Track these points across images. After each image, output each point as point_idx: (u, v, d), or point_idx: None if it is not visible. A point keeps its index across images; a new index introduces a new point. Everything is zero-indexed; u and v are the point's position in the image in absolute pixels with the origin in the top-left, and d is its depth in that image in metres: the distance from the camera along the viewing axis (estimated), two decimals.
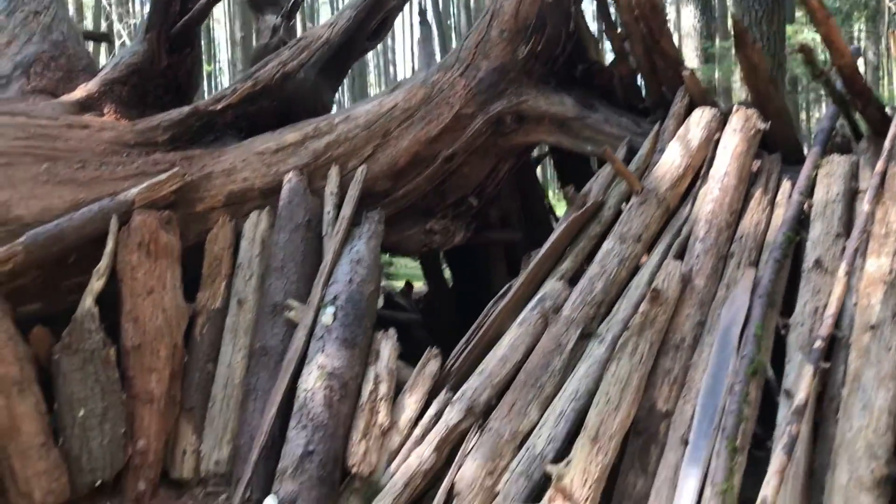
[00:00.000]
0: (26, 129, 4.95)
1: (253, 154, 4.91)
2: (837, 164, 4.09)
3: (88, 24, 21.40)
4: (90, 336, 4.00)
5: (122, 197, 4.43)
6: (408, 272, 10.39)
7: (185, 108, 5.44)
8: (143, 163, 4.90)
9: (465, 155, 4.92)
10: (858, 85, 4.12)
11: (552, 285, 4.13)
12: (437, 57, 6.81)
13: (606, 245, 4.11)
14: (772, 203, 4.15)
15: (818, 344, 3.18)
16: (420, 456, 3.70)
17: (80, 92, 5.84)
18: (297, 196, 4.66)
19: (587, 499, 3.13)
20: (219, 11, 25.42)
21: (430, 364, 4.16)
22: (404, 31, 35.09)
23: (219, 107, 5.46)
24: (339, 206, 4.72)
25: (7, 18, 6.47)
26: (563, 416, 3.55)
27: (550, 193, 14.21)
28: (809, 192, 4.04)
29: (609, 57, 5.69)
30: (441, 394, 3.99)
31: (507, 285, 4.31)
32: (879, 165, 3.76)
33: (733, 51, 5.49)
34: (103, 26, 21.67)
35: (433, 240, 5.09)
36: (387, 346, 4.20)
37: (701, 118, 4.42)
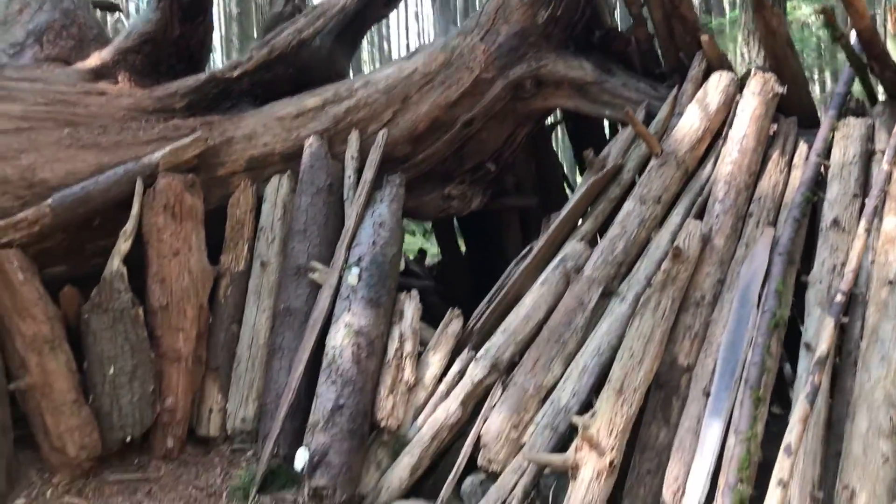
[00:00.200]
0: (45, 94, 4.97)
1: (273, 119, 4.94)
2: (854, 127, 4.15)
3: None
4: (119, 295, 4.05)
5: (146, 160, 4.47)
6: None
7: (202, 75, 5.46)
8: (163, 128, 4.93)
9: (483, 120, 4.95)
10: (877, 49, 4.16)
11: (573, 246, 4.20)
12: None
13: (627, 206, 4.18)
14: (789, 165, 4.22)
15: (839, 298, 3.27)
16: (446, 410, 3.80)
17: (95, 60, 5.84)
18: (318, 160, 4.70)
19: (613, 448, 3.22)
20: None
21: (453, 324, 4.25)
22: (398, 7, 34.75)
23: (235, 74, 5.47)
24: (359, 171, 4.77)
25: None
26: (586, 370, 3.65)
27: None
28: (826, 153, 4.11)
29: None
30: (464, 352, 4.08)
31: (528, 247, 4.38)
32: None
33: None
34: None
35: (451, 205, 5.15)
36: (410, 306, 4.28)
37: (719, 82, 4.47)
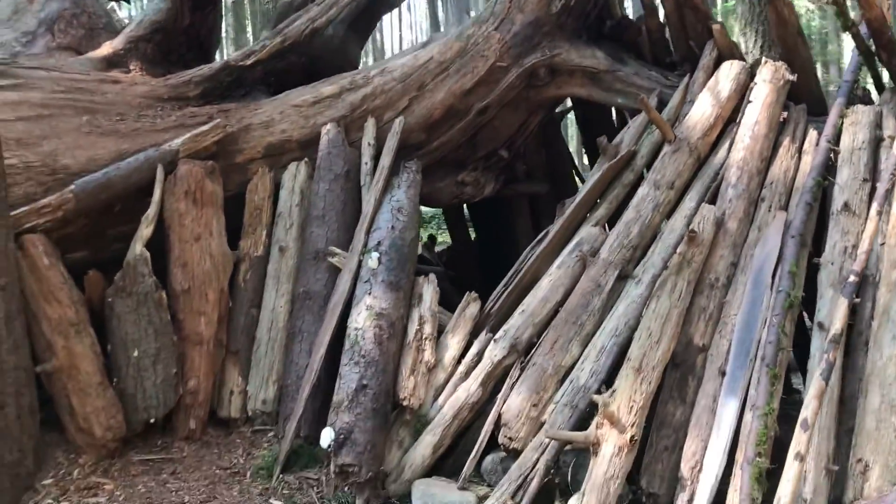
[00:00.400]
0: (62, 82, 5.01)
1: (290, 107, 4.99)
2: (862, 114, 4.24)
3: None
4: (143, 279, 4.12)
5: (166, 147, 4.53)
6: None
7: (216, 64, 5.51)
8: (180, 115, 4.98)
9: (497, 108, 5.02)
10: (885, 38, 4.25)
11: (588, 230, 4.29)
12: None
13: (641, 191, 4.26)
14: (799, 151, 4.31)
15: (852, 279, 3.36)
16: (467, 390, 3.88)
17: (106, 49, 5.88)
18: (335, 147, 4.76)
19: (633, 424, 3.31)
20: None
21: (471, 307, 4.33)
22: None
23: (248, 62, 5.52)
24: (375, 158, 4.84)
25: None
26: (604, 351, 3.73)
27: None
28: (836, 139, 4.19)
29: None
30: (482, 334, 4.16)
31: (544, 231, 4.46)
32: None
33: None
34: None
35: (464, 191, 5.22)
36: (429, 289, 4.36)
37: (730, 70, 4.56)
